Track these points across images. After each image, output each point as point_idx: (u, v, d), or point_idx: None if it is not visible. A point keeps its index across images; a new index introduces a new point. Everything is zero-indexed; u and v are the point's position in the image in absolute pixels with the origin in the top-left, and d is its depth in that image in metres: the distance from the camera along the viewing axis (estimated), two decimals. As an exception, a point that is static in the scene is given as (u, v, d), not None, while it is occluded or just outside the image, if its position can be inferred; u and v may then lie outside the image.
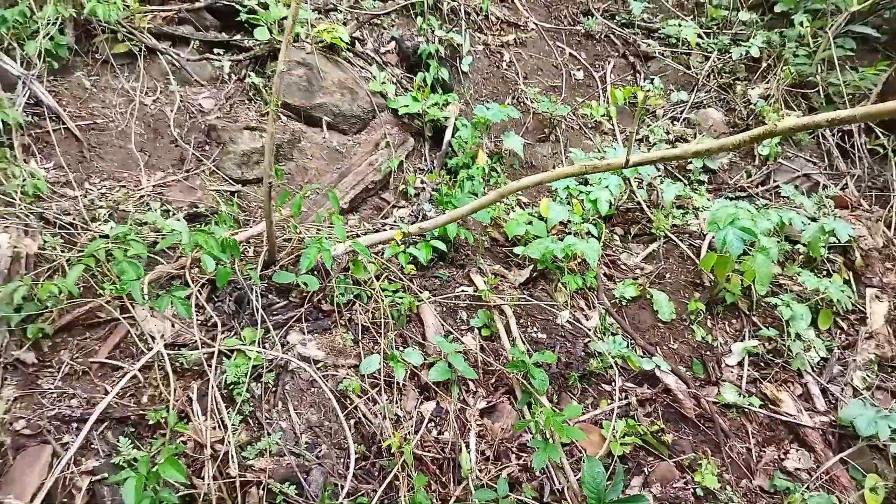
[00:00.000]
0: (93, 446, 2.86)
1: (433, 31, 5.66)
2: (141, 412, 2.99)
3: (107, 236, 3.47)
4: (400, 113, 5.13)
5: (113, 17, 4.48)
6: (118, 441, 2.87)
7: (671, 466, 3.59)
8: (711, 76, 6.46)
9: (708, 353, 4.30)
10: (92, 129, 4.20)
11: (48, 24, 4.28)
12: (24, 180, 3.66)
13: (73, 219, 3.62)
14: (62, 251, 3.38)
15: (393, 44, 5.72)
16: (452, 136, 5.12)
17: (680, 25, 6.67)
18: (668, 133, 5.86)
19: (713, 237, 4.39)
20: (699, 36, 6.61)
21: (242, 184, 4.34)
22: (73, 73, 4.46)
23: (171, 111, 4.48)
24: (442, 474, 3.22)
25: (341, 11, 5.62)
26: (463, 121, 5.16)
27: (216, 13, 5.15)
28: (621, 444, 3.54)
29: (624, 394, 3.89)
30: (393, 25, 5.80)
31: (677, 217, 5.13)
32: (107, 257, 3.29)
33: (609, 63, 6.54)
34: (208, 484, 2.77)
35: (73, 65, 4.49)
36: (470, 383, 3.65)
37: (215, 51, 4.98)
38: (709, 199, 5.32)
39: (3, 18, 4.15)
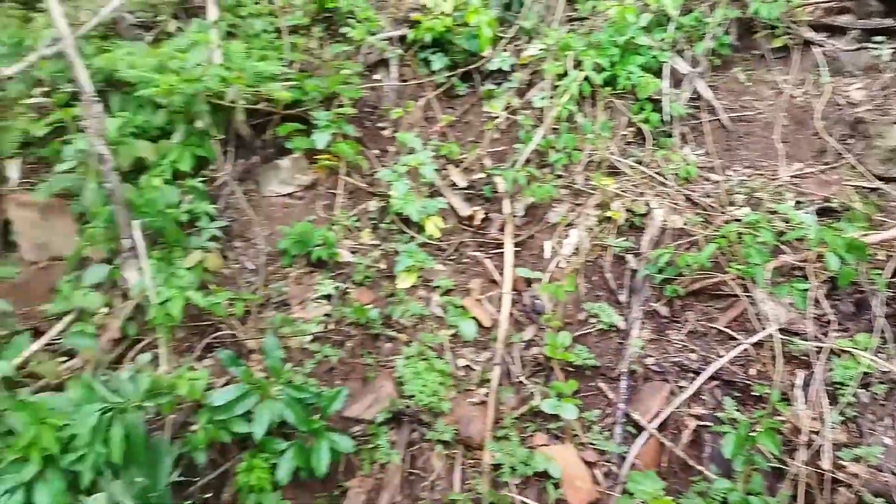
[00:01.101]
0: (701, 397, 3.42)
1: None
2: (747, 381, 3.37)
3: (739, 220, 3.90)
4: None
5: (774, 14, 4.78)
6: (723, 400, 3.34)
7: None
8: None
9: None
10: (740, 120, 4.67)
11: (715, 25, 4.89)
12: (678, 165, 4.43)
13: (713, 201, 4.18)
14: (700, 229, 3.98)
15: None
16: None
17: None
18: None
19: None
20: None
21: (885, 181, 4.05)
22: (731, 68, 4.99)
23: (819, 103, 4.52)
24: None
25: None
26: None
27: (883, -3, 4.80)
28: None
29: None
30: None
31: None
32: (737, 239, 3.71)
33: None
34: (798, 467, 2.95)
35: (732, 61, 5.02)
36: None
37: (874, 39, 4.68)
38: None
39: (679, 24, 4.97)
